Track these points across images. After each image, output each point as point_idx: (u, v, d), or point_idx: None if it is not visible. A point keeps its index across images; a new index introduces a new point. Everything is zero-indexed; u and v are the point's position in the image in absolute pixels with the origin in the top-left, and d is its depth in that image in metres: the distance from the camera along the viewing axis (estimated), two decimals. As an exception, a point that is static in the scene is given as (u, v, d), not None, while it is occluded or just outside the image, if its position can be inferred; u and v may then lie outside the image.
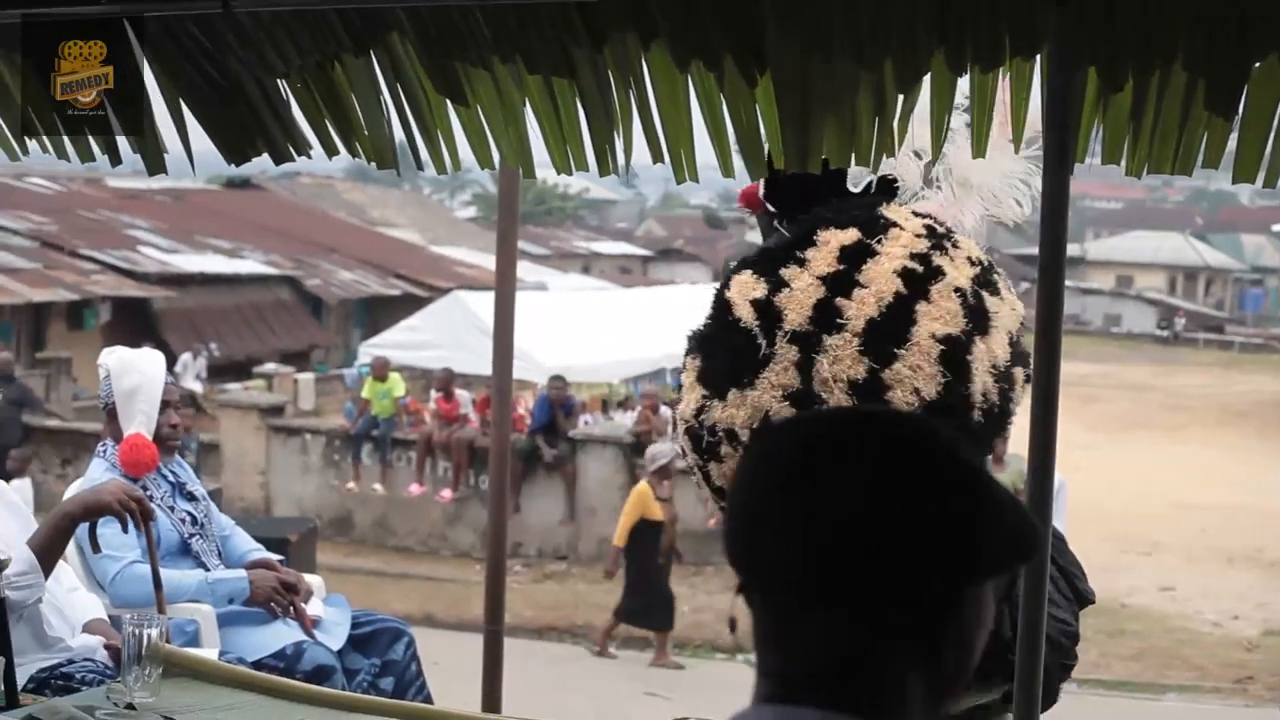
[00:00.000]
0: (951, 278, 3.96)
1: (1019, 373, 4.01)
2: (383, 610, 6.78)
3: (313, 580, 6.20)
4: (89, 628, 5.13)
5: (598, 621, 16.44)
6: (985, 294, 4.02)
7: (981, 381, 3.90)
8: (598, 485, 20.70)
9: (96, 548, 5.35)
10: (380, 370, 22.95)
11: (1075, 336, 59.51)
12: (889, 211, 4.18)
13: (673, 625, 15.81)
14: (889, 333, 3.86)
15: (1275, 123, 3.22)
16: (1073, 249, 79.85)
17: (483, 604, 7.27)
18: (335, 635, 5.78)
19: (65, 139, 3.90)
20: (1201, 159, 3.34)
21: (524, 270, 43.64)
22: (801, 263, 4.02)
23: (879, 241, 4.02)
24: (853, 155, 3.42)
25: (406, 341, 27.63)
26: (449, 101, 3.63)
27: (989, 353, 3.92)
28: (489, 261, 33.08)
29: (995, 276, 4.12)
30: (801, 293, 3.96)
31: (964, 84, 3.33)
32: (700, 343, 4.18)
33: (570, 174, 3.81)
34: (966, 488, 1.69)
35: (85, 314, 34.51)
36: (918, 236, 4.06)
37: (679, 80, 3.40)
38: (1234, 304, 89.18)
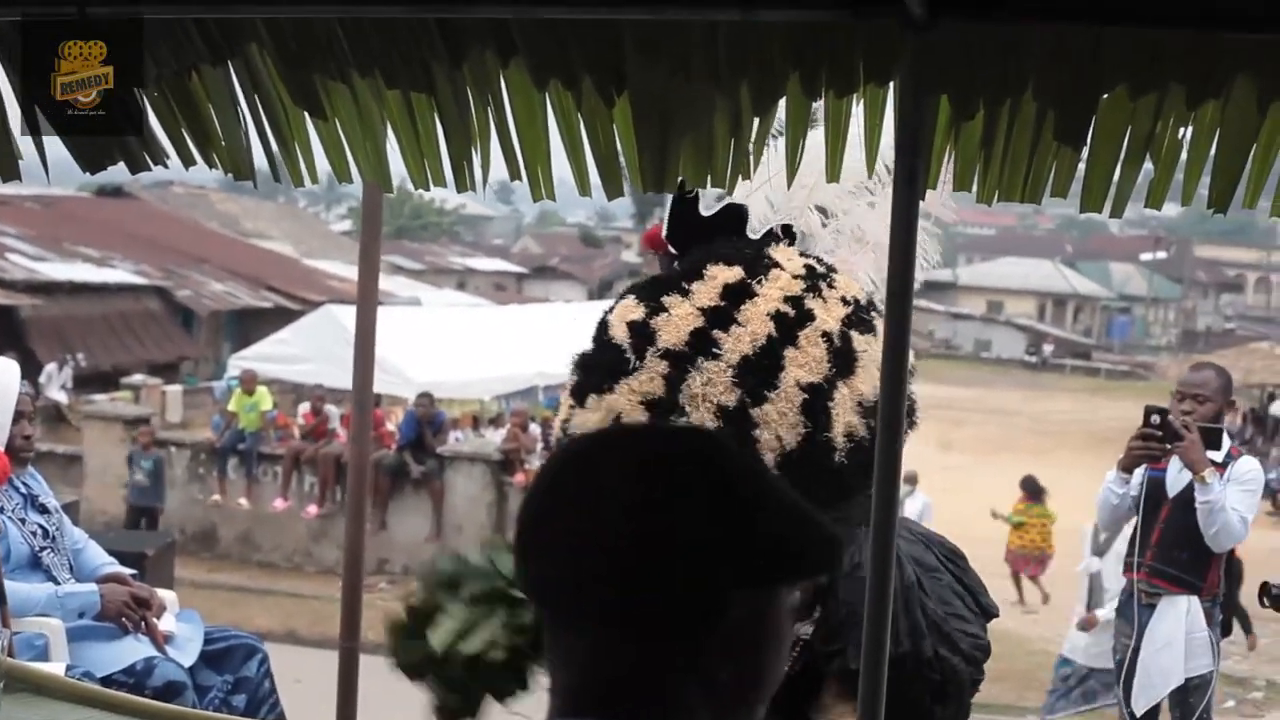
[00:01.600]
0: (820, 321, 4.04)
1: None
2: (246, 626, 6.73)
3: (166, 595, 6.13)
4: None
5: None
6: (854, 333, 4.09)
7: (845, 423, 3.97)
8: (465, 502, 20.64)
9: (-62, 563, 5.25)
10: (249, 383, 22.79)
11: (945, 360, 60.22)
12: (775, 251, 4.26)
13: None
14: (760, 372, 3.93)
15: (1122, 153, 3.27)
16: (944, 274, 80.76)
17: (344, 621, 7.22)
18: (187, 651, 5.71)
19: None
20: (1050, 188, 3.38)
21: (398, 285, 43.61)
22: (685, 293, 4.09)
23: (759, 282, 4.09)
24: (709, 177, 3.44)
25: (277, 354, 27.41)
26: (307, 115, 3.61)
27: (854, 393, 4.00)
28: (362, 276, 32.87)
29: (870, 315, 4.19)
30: (680, 319, 4.01)
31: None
32: (578, 361, 4.22)
33: (428, 189, 3.80)
34: (728, 497, 1.70)
35: (-52, 322, 33.97)
36: (795, 278, 4.14)
37: (537, 98, 3.40)
38: (1101, 331, 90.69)
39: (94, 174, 3.96)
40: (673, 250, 4.52)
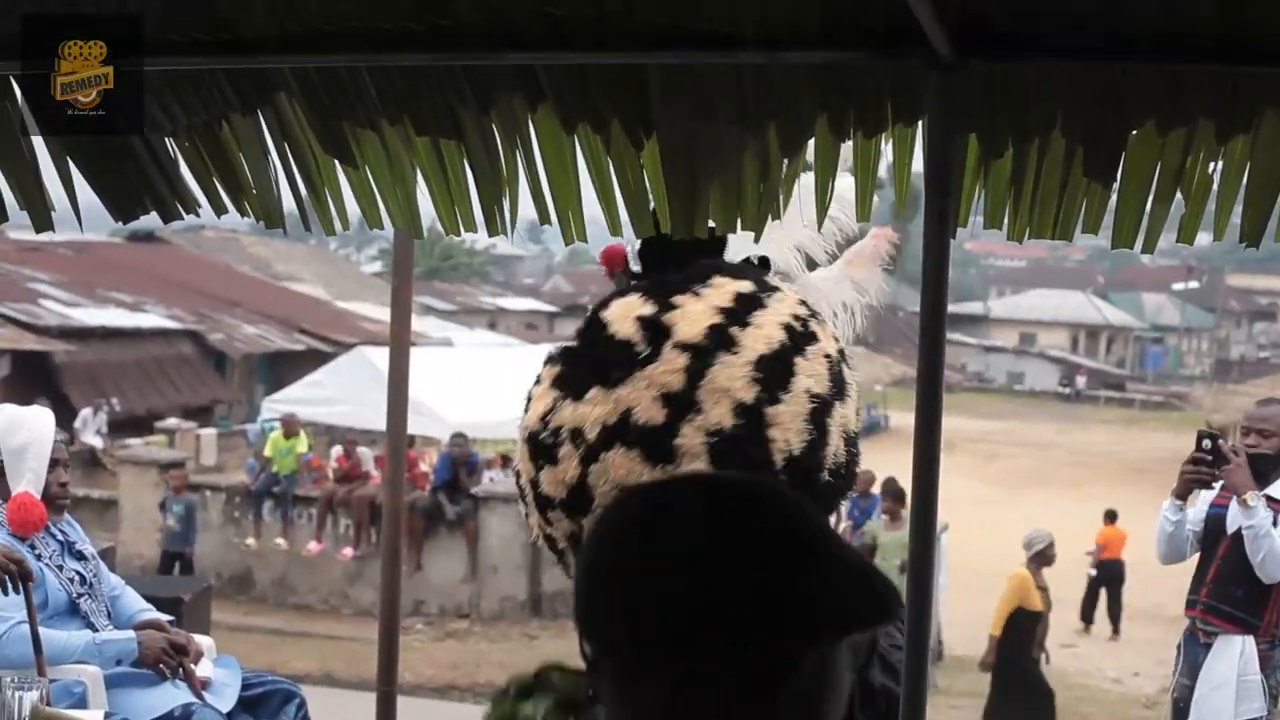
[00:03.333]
0: (823, 344, 4.00)
1: (859, 446, 4.06)
2: (282, 669, 6.75)
3: (203, 641, 6.14)
4: (-33, 692, 5.05)
5: (499, 680, 16.28)
6: (844, 366, 4.07)
7: (835, 444, 3.93)
8: (500, 542, 20.61)
9: (-25, 611, 5.27)
10: (290, 427, 22.81)
11: (978, 394, 60.09)
12: (773, 279, 4.23)
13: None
14: (775, 373, 3.87)
15: (1153, 188, 3.27)
16: (976, 306, 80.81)
17: (381, 663, 7.24)
18: (225, 697, 5.72)
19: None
20: (1081, 225, 3.38)
21: (430, 326, 43.69)
22: (696, 294, 4.02)
23: (769, 295, 4.06)
24: (739, 219, 3.44)
25: (310, 397, 27.44)
26: (337, 162, 3.63)
27: (844, 418, 3.95)
28: (394, 317, 32.97)
29: (845, 354, 4.19)
30: (695, 314, 3.94)
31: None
32: (562, 352, 4.13)
33: (459, 235, 3.81)
34: (799, 549, 1.69)
35: (-16, 368, 34.13)
36: (800, 302, 4.11)
37: (566, 142, 3.42)
38: (1135, 362, 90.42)
39: (126, 223, 3.99)
40: (634, 269, 4.47)
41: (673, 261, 4.23)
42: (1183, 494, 7.54)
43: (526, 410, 4.13)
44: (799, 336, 3.94)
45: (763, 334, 3.89)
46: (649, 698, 1.66)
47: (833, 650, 1.69)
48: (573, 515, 4.03)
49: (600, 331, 3.97)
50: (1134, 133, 3.18)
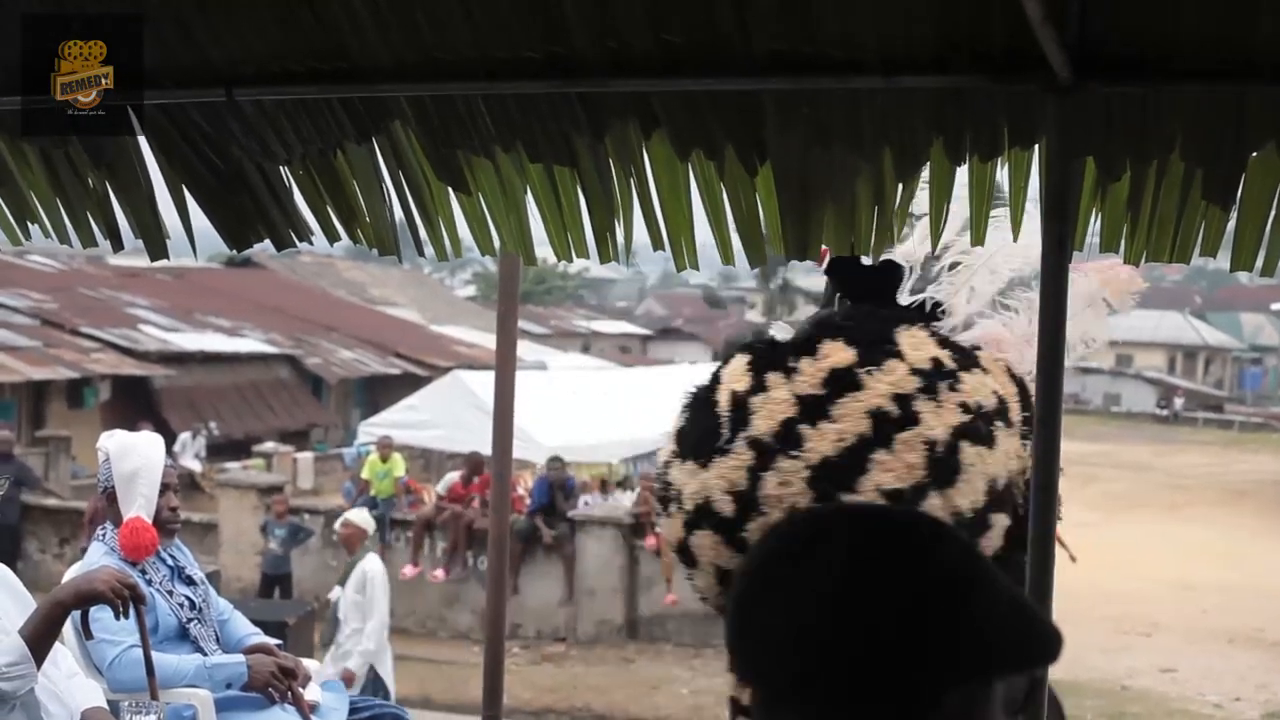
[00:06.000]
0: (924, 427, 3.92)
1: (998, 519, 3.98)
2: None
3: (310, 665, 6.18)
4: (87, 716, 5.09)
5: (596, 704, 16.34)
6: (965, 444, 3.97)
7: None
8: (597, 566, 20.62)
9: (89, 635, 5.30)
10: (385, 450, 22.91)
11: (1074, 416, 59.51)
12: (903, 335, 4.14)
13: None
14: (839, 477, 3.85)
15: (1273, 212, 3.23)
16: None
17: (480, 685, 7.26)
18: (333, 720, 5.76)
19: (69, 227, 3.94)
20: (1199, 248, 3.35)
21: (524, 349, 43.71)
22: (789, 372, 4.03)
23: (869, 372, 4.00)
24: (852, 244, 3.43)
25: (406, 421, 27.52)
26: (451, 189, 3.65)
27: (948, 504, 3.88)
28: (489, 340, 33.13)
29: (989, 426, 4.06)
30: (775, 404, 3.97)
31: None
32: (687, 403, 4.20)
33: (571, 261, 3.83)
34: (946, 587, 1.67)
35: (85, 392, 34.52)
36: (913, 373, 4.02)
37: (679, 169, 3.42)
38: (1233, 383, 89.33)
39: (241, 250, 4.04)
40: (830, 276, 4.49)
41: (856, 280, 4.25)
42: None
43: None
44: (890, 424, 3.89)
45: (835, 429, 3.87)
46: None
47: (982, 690, 1.67)
48: (684, 564, 4.15)
49: (712, 392, 4.06)
50: (1253, 155, 3.15)
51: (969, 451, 3.93)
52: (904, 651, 1.61)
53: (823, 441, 3.88)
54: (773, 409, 3.96)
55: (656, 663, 18.95)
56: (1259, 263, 3.34)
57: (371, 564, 13.45)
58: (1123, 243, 3.38)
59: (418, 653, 19.76)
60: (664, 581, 19.31)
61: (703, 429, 4.07)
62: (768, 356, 4.14)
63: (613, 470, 27.12)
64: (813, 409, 3.94)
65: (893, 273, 4.30)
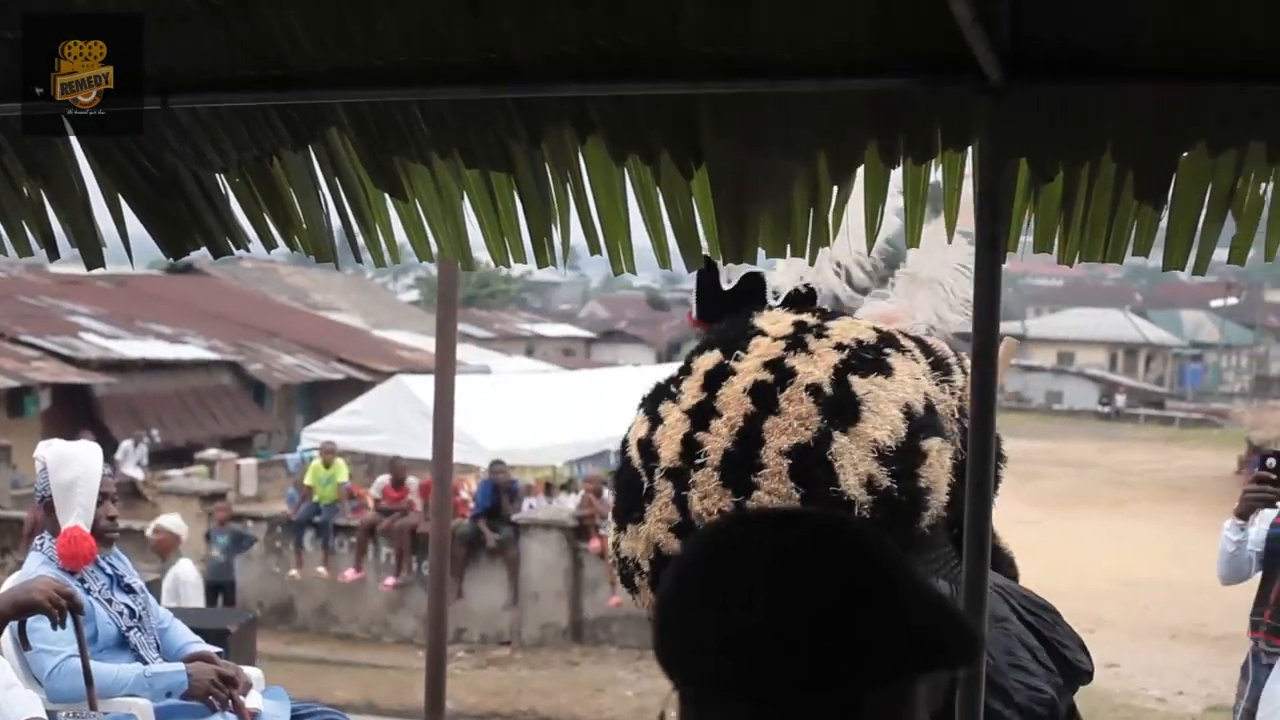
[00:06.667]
0: (803, 376, 3.98)
1: (930, 444, 4.01)
2: (325, 698, 6.76)
3: (252, 673, 6.15)
4: (25, 727, 5.07)
5: (541, 707, 16.31)
6: (854, 377, 4.01)
7: (857, 474, 3.90)
8: (541, 569, 20.58)
9: (26, 645, 5.28)
10: (328, 456, 22.84)
11: (1017, 414, 59.84)
12: (762, 319, 4.22)
13: None
14: (742, 461, 3.92)
15: (1204, 211, 3.26)
16: (1014, 326, 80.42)
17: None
18: (275, 728, 5.73)
19: (4, 236, 3.92)
20: (1132, 247, 3.38)
21: (467, 353, 43.70)
22: (674, 397, 4.11)
23: (737, 358, 4.06)
24: (789, 247, 3.44)
25: (349, 426, 27.44)
26: (388, 196, 3.64)
27: (864, 439, 3.92)
28: (432, 344, 33.02)
29: (875, 355, 4.11)
30: (671, 429, 4.04)
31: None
32: (613, 478, 4.29)
33: (509, 266, 3.83)
34: (868, 586, 1.68)
35: (25, 401, 34.21)
36: (777, 340, 4.09)
37: (615, 173, 3.43)
38: (1174, 380, 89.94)
39: (177, 259, 4.03)
40: (705, 324, 4.54)
41: (726, 308, 4.30)
42: (1245, 514, 7.47)
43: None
44: (768, 391, 3.98)
45: (724, 421, 3.97)
46: None
47: (906, 689, 1.69)
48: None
49: (625, 451, 4.17)
50: (1184, 155, 3.18)
51: (860, 383, 3.98)
52: (827, 650, 1.63)
53: (718, 439, 3.95)
54: (671, 434, 4.03)
55: (601, 665, 18.93)
56: (1190, 261, 3.37)
57: (184, 568, 13.93)
58: (1056, 242, 3.40)
59: (361, 658, 19.72)
60: (608, 584, 19.31)
61: (625, 490, 4.14)
62: (654, 396, 4.22)
63: (557, 473, 27.13)
64: (701, 414, 4.01)
65: (754, 283, 4.36)
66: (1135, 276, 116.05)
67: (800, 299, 4.47)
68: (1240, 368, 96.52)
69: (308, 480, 22.63)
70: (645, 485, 4.04)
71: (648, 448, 4.09)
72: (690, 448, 3.99)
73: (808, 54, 3.08)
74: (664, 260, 3.59)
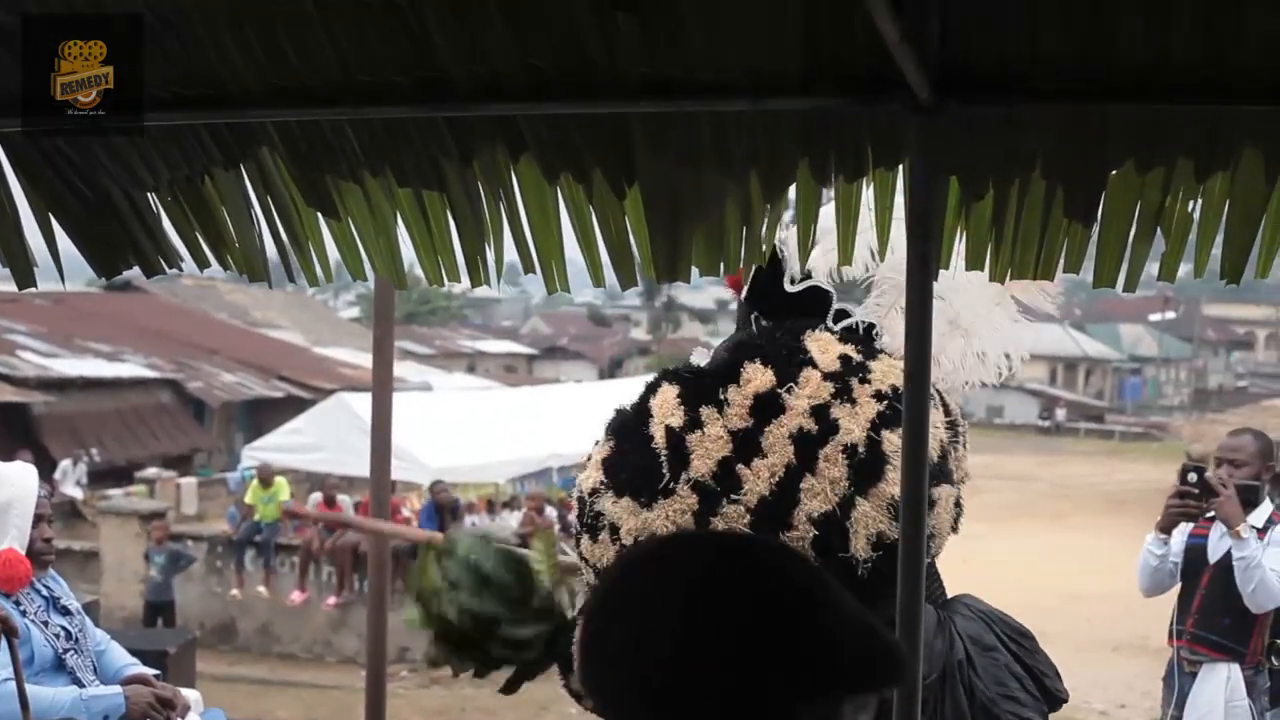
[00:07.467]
0: (844, 434, 4.02)
1: (941, 491, 4.06)
2: (267, 719, 6.70)
3: (190, 695, 6.12)
4: (-42, 752, 5.02)
5: (485, 725, 16.25)
6: (887, 433, 4.06)
7: (868, 534, 3.96)
8: (485, 587, 20.46)
9: (-39, 669, 5.24)
10: (266, 476, 22.73)
11: (958, 428, 59.87)
12: (811, 342, 4.22)
13: None
14: (775, 516, 3.94)
15: (1133, 228, 3.28)
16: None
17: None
18: (213, 750, 5.70)
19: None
20: (1063, 264, 3.39)
21: (408, 370, 43.64)
22: (720, 405, 4.09)
23: (789, 390, 4.08)
24: (721, 265, 3.45)
25: (290, 444, 27.29)
26: (320, 214, 3.63)
27: (881, 498, 3.98)
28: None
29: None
30: (711, 442, 4.03)
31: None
32: (616, 430, 4.23)
33: (442, 285, 3.82)
34: (792, 607, 1.69)
35: (-38, 420, 33.96)
36: (826, 377, 4.11)
37: (548, 192, 3.42)
38: (1113, 393, 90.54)
39: (109, 278, 4.00)
40: (749, 303, 4.54)
41: (783, 308, 4.29)
42: (1167, 528, 7.52)
43: (586, 462, 4.34)
44: (811, 443, 3.99)
45: (767, 465, 3.96)
46: None
47: (832, 709, 1.69)
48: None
49: (643, 425, 4.09)
50: (1113, 172, 3.20)
51: (891, 439, 4.01)
52: (752, 670, 1.64)
53: (758, 481, 3.97)
54: (709, 447, 4.03)
55: (545, 683, 18.76)
56: (1121, 278, 3.39)
57: None
58: (988, 260, 3.41)
59: (304, 678, 19.61)
60: (552, 601, 19.24)
61: (639, 465, 4.11)
62: (696, 388, 4.19)
63: (499, 490, 27.07)
64: (746, 445, 4.02)
65: (816, 298, 4.36)
66: (1074, 291, 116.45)
67: (841, 316, 4.47)
68: (1179, 381, 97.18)
69: (248, 499, 22.52)
70: (665, 478, 4.03)
71: (679, 445, 4.06)
72: (728, 475, 4.00)
73: (740, 73, 3.08)
74: (598, 279, 3.58)
